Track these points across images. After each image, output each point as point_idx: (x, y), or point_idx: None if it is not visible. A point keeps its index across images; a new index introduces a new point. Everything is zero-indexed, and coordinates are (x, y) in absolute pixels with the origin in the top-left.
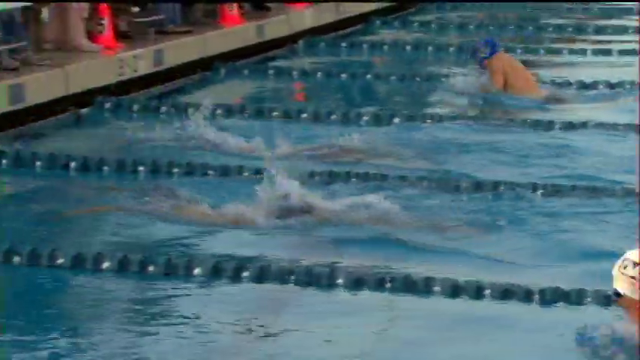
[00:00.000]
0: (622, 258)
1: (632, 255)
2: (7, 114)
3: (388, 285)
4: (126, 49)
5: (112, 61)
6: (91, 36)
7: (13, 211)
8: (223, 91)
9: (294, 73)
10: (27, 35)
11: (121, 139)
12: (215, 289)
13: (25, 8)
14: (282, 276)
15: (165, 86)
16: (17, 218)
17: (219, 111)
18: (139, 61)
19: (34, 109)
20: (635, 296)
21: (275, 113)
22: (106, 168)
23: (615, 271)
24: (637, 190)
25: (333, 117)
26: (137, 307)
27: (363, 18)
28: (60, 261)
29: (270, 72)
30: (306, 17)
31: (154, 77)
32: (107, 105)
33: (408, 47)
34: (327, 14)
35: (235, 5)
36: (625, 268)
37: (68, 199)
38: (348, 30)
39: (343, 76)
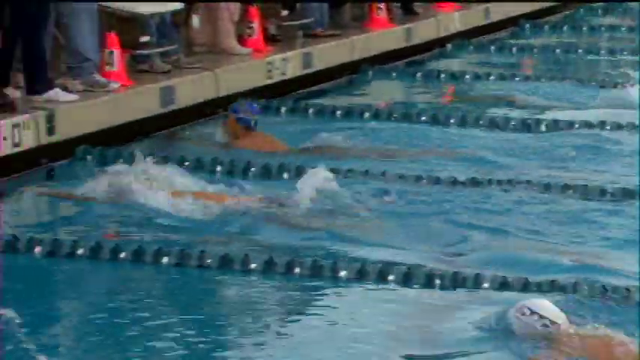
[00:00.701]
0: (518, 305)
1: (528, 303)
2: (158, 116)
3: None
4: (275, 52)
5: (261, 64)
6: (241, 39)
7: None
8: (370, 94)
9: (442, 76)
10: (178, 38)
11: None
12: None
13: (176, 12)
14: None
15: (313, 89)
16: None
17: (366, 114)
18: (288, 64)
19: (184, 112)
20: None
21: (423, 117)
22: (253, 169)
23: (511, 316)
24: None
25: (481, 122)
26: (285, 307)
27: (513, 21)
28: (208, 261)
29: (418, 75)
30: (455, 20)
31: (302, 80)
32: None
33: (558, 51)
34: (476, 17)
35: (384, 8)
36: (522, 314)
37: None
38: (497, 33)
39: (491, 79)
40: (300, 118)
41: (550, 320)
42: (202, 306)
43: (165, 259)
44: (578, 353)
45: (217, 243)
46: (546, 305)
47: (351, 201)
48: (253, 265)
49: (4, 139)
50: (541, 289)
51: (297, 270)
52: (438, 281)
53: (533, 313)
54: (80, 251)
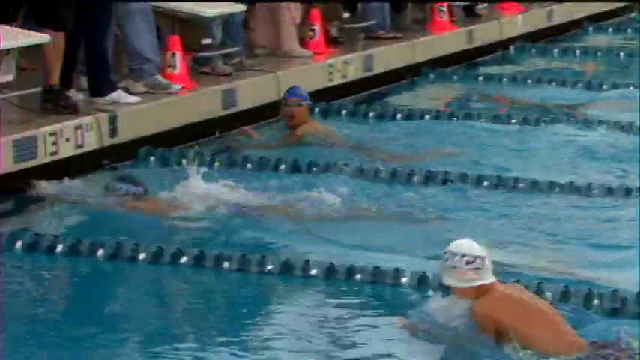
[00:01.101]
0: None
1: (451, 246)
2: (220, 118)
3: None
4: (336, 54)
5: (322, 67)
6: (302, 42)
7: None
8: (431, 97)
9: (504, 79)
10: (240, 41)
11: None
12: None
13: (236, 13)
14: None
15: (374, 91)
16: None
17: (426, 117)
18: (349, 66)
19: (246, 114)
20: (460, 284)
21: (483, 119)
22: (314, 169)
23: (439, 267)
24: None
25: (542, 124)
26: (345, 312)
27: (576, 23)
28: (269, 267)
29: (480, 78)
30: (517, 23)
31: (363, 82)
32: (316, 110)
33: (622, 54)
34: (539, 20)
35: (446, 11)
36: (446, 260)
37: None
38: (560, 36)
39: (553, 83)
40: (361, 120)
41: (474, 256)
42: (263, 312)
43: (226, 264)
44: None
45: (279, 249)
46: (466, 243)
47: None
48: (314, 271)
49: (67, 140)
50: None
51: (358, 276)
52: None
53: (455, 254)
54: (141, 256)
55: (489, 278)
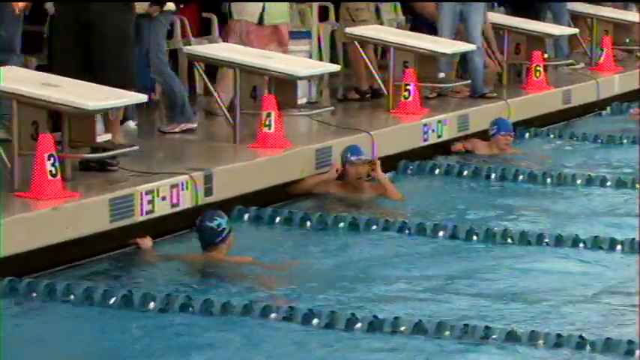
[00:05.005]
0: None
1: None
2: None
3: None
4: (430, 114)
5: (416, 127)
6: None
7: None
8: (526, 157)
9: (599, 140)
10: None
11: None
12: None
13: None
14: None
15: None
16: None
17: (520, 177)
18: (443, 126)
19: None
20: None
21: (578, 181)
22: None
23: None
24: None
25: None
26: None
27: None
28: (357, 325)
29: (574, 139)
30: (615, 83)
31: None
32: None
33: None
34: (636, 80)
35: (542, 70)
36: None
37: None
38: None
39: None
40: (454, 179)
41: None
42: None
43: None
44: None
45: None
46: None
47: None
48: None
49: (163, 199)
50: None
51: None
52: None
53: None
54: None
55: None
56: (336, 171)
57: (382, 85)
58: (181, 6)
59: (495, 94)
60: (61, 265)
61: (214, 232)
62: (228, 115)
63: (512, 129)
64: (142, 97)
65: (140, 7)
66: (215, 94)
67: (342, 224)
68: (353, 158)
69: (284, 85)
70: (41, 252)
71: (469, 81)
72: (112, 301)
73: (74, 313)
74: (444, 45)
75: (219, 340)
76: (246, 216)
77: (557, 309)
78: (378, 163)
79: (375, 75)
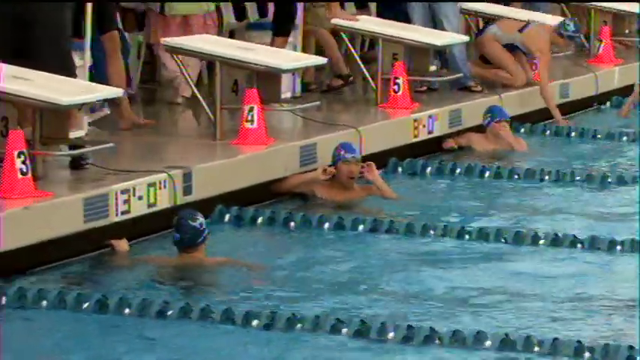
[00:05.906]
0: None
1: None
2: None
3: None
4: (421, 109)
5: (406, 122)
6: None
7: None
8: (522, 154)
9: (599, 136)
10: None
11: None
12: None
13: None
14: None
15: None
16: None
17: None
18: (435, 121)
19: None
20: None
21: (577, 178)
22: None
23: None
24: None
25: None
26: None
27: None
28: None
29: (573, 134)
30: (615, 76)
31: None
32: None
33: None
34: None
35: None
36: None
37: None
38: None
39: None
40: (447, 178)
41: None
42: None
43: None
44: None
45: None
46: None
47: None
48: None
49: (139, 198)
50: None
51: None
52: None
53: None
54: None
55: None
56: (324, 171)
57: (370, 79)
58: None
59: (480, 88)
60: (34, 267)
61: (196, 232)
62: (198, 94)
63: (507, 114)
64: (118, 92)
65: None
66: (183, 70)
67: (327, 224)
68: (347, 156)
69: (267, 79)
70: (13, 254)
71: (461, 74)
72: (86, 305)
73: (46, 318)
74: (434, 36)
75: (201, 346)
76: (227, 216)
77: (550, 313)
78: (373, 165)
79: (363, 68)
